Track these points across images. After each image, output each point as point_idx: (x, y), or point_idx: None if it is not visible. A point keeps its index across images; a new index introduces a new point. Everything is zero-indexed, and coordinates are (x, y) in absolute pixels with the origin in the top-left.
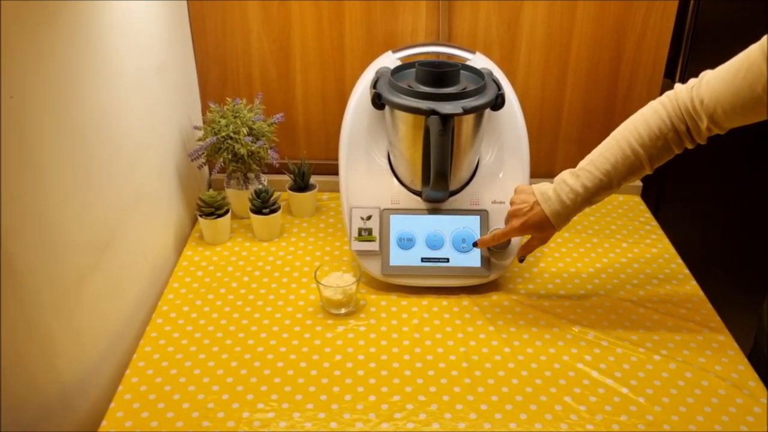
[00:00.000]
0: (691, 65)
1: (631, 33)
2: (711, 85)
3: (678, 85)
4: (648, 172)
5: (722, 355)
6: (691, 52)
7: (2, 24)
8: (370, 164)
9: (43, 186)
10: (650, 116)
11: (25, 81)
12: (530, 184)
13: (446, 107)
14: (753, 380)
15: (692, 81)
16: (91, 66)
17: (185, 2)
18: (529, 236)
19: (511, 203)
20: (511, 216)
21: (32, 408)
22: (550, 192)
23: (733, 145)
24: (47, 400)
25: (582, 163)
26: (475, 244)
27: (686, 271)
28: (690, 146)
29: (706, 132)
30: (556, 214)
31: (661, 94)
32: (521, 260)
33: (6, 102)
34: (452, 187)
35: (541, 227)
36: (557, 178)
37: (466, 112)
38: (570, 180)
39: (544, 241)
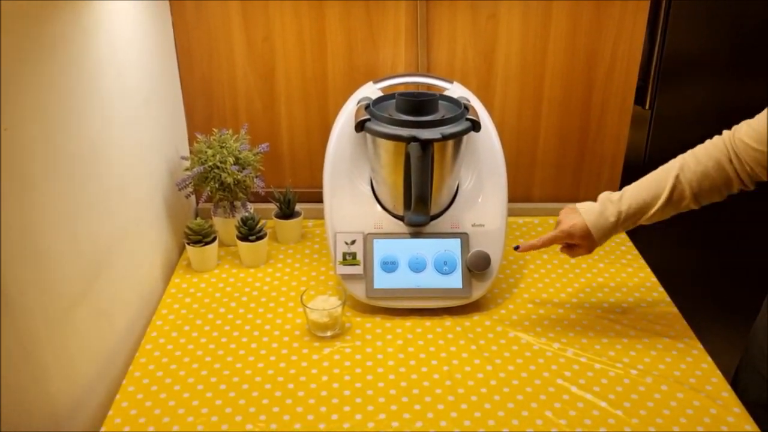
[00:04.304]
0: (660, 92)
1: (602, 63)
2: (753, 127)
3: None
4: (693, 206)
5: (696, 368)
6: (660, 79)
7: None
8: (353, 191)
9: (34, 215)
10: (698, 151)
11: (20, 114)
12: (507, 208)
13: (425, 134)
14: (726, 391)
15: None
16: (83, 100)
17: (172, 37)
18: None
19: (560, 215)
20: (559, 222)
21: None
22: (594, 207)
23: None
24: (39, 425)
25: (628, 186)
26: (516, 248)
27: (660, 289)
28: (737, 188)
29: (752, 171)
30: (598, 230)
31: (632, 120)
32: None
33: (0, 133)
34: (433, 211)
35: (583, 237)
36: (601, 196)
37: (445, 138)
38: (614, 197)
39: (585, 252)
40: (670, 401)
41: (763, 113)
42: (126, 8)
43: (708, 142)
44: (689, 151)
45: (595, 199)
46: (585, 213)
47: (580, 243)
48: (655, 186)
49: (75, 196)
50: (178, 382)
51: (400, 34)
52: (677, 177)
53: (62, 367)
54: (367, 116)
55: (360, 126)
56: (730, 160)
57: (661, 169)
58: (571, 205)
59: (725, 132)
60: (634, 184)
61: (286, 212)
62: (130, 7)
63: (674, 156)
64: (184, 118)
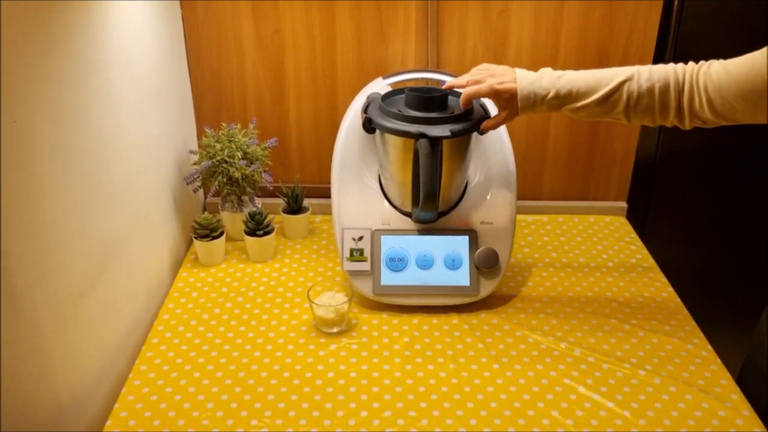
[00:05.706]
0: None
1: (614, 58)
2: (715, 70)
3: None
4: (623, 120)
5: (705, 369)
6: None
7: (8, 52)
8: (361, 187)
9: (43, 208)
10: (654, 68)
11: (29, 107)
12: (516, 205)
13: (435, 130)
14: (735, 393)
15: (701, 62)
16: (92, 93)
17: (182, 31)
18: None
19: (496, 69)
20: (488, 75)
21: (30, 425)
22: (531, 75)
23: (719, 165)
24: (45, 418)
25: (571, 70)
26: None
27: (670, 289)
28: (672, 119)
29: (699, 108)
30: (524, 97)
31: None
32: (481, 133)
33: (10, 126)
34: (441, 208)
35: (509, 100)
36: (543, 69)
37: (454, 135)
38: (555, 74)
39: (509, 118)
40: (678, 402)
41: (740, 60)
42: (135, 2)
43: (669, 65)
44: (646, 65)
45: (605, 199)
46: (520, 78)
47: (502, 105)
48: (597, 80)
49: (83, 189)
50: (184, 376)
51: (410, 29)
52: (623, 82)
53: (68, 360)
54: (367, 116)
55: (368, 128)
56: (680, 91)
57: (611, 70)
58: (509, 67)
59: (691, 63)
60: (579, 71)
61: (294, 207)
62: (139, 1)
63: (687, 158)
64: (193, 112)
